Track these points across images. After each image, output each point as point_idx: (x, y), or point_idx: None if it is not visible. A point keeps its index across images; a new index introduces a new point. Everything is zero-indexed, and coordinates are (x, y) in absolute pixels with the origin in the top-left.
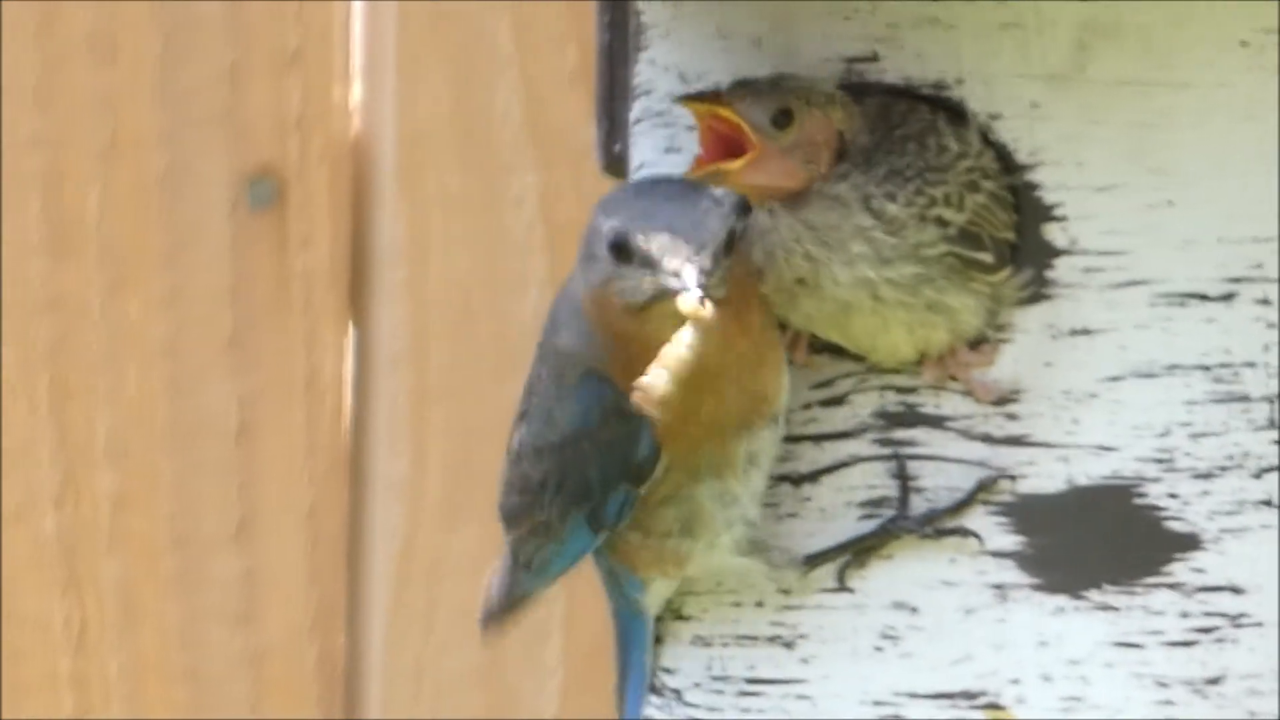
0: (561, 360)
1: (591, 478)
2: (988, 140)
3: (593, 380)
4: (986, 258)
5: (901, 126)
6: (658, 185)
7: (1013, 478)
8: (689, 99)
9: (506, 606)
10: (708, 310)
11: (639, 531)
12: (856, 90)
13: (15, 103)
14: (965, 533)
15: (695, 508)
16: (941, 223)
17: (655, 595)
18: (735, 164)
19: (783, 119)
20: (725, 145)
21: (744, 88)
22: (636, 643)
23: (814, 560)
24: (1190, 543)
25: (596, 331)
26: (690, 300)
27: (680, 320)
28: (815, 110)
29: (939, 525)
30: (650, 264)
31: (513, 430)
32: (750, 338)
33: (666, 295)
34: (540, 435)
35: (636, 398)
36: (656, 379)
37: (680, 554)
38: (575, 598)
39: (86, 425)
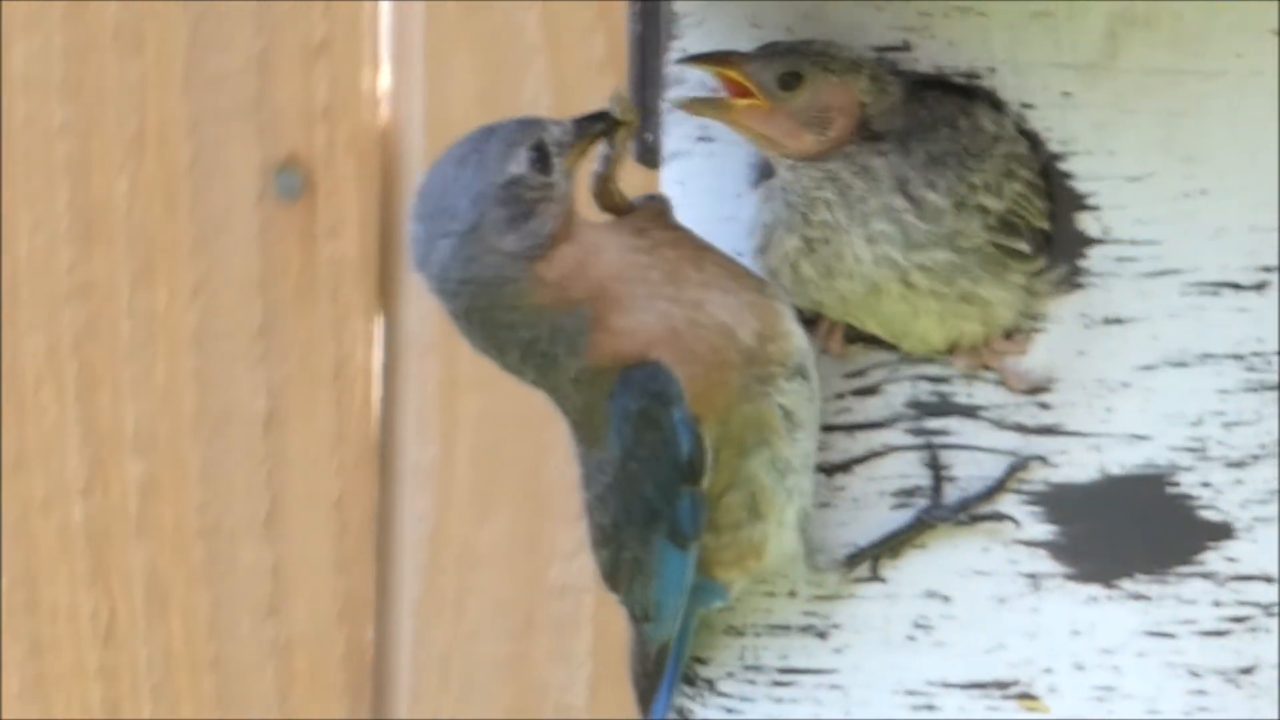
0: (590, 421)
1: (651, 495)
2: (1021, 129)
3: (622, 385)
4: (1024, 247)
5: (931, 110)
6: (449, 157)
7: (1044, 459)
8: (699, 59)
9: (650, 669)
10: (623, 104)
11: (712, 532)
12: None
13: (43, 93)
14: (1000, 517)
15: (755, 486)
16: (982, 210)
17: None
18: (739, 101)
19: (791, 80)
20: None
21: (764, 49)
22: (675, 641)
23: (853, 560)
24: (1223, 532)
25: (570, 317)
26: (617, 102)
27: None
28: (831, 76)
29: (973, 511)
30: (560, 143)
31: (581, 497)
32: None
33: (588, 138)
34: (598, 484)
35: None
36: None
37: (755, 541)
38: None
39: (114, 414)
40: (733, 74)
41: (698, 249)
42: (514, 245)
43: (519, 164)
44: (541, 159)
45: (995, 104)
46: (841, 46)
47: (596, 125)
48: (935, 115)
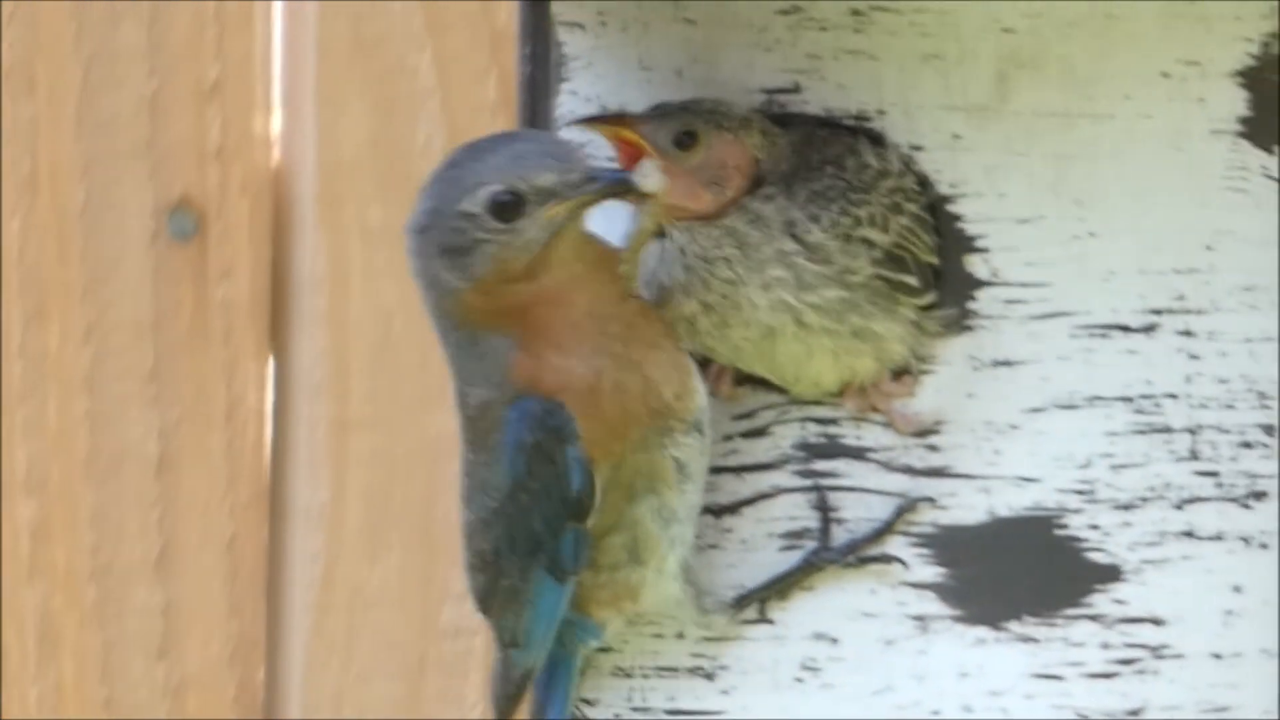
0: (481, 421)
1: (537, 528)
2: (908, 166)
3: (520, 408)
4: (912, 280)
5: (819, 152)
6: (474, 147)
7: (932, 501)
8: (592, 121)
9: (511, 692)
10: (655, 177)
11: (590, 570)
12: (779, 121)
13: None
14: (888, 559)
15: (639, 531)
16: (868, 244)
17: (610, 638)
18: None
19: (686, 140)
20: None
21: (654, 110)
22: (562, 677)
23: (741, 602)
24: (1111, 574)
25: (495, 336)
26: (646, 173)
27: (584, 246)
28: (725, 133)
29: (861, 553)
30: (553, 193)
31: (461, 515)
32: (623, 304)
33: (590, 196)
34: (482, 507)
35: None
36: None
37: (632, 584)
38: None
39: (6, 456)
40: (629, 135)
41: (646, 302)
42: (443, 270)
43: (476, 203)
44: (509, 206)
45: (878, 140)
46: (731, 103)
47: (610, 189)
48: (823, 156)
